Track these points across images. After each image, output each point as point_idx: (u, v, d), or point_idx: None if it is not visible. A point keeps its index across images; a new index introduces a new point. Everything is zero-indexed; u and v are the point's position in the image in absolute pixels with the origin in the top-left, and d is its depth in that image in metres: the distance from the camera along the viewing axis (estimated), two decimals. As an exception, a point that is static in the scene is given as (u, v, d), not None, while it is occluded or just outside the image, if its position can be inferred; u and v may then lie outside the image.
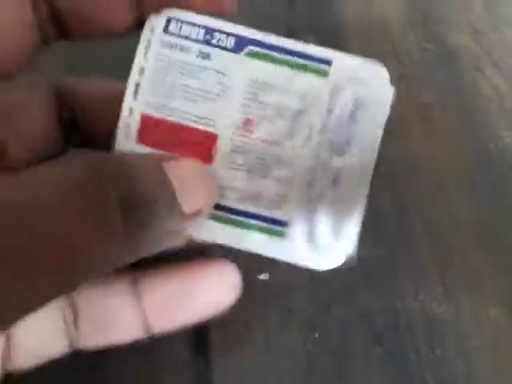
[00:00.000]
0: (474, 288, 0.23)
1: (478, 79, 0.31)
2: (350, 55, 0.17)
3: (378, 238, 0.23)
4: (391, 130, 0.28)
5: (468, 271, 0.23)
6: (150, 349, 0.20)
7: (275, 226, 0.17)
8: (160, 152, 0.16)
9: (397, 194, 0.25)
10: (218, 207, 0.17)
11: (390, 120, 0.28)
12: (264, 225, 0.17)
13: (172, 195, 0.14)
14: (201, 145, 0.17)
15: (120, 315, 0.18)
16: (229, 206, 0.17)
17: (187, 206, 0.14)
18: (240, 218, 0.17)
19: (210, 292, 0.18)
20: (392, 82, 0.30)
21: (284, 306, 0.22)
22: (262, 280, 0.22)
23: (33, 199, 0.11)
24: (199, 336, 0.21)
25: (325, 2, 0.34)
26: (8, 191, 0.11)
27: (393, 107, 0.29)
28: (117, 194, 0.12)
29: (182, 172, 0.15)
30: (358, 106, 0.17)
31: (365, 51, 0.31)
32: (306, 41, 0.31)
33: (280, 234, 0.17)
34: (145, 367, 0.20)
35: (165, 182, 0.14)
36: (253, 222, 0.17)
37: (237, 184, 0.17)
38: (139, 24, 0.17)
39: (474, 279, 0.23)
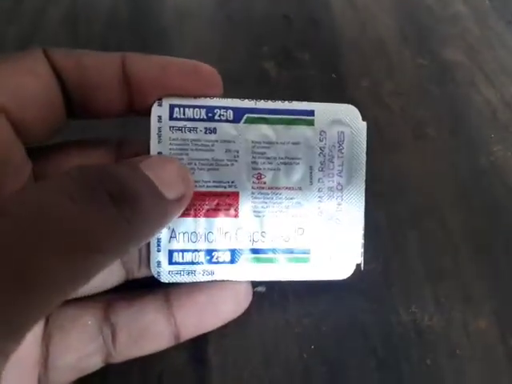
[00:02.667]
0: (465, 301, 0.23)
1: (472, 94, 0.32)
2: (327, 104, 0.21)
3: (373, 253, 0.24)
4: (386, 147, 0.29)
5: (459, 285, 0.24)
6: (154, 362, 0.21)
7: (302, 255, 0.21)
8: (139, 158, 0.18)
9: (391, 210, 0.26)
10: (252, 251, 0.21)
11: (385, 138, 0.29)
12: (292, 256, 0.21)
13: (151, 185, 0.17)
14: (226, 203, 0.20)
15: (154, 328, 0.20)
16: (261, 248, 0.21)
17: (169, 193, 0.17)
18: (272, 255, 0.21)
19: (230, 302, 0.21)
20: (388, 99, 0.31)
21: (281, 318, 0.23)
22: (259, 292, 0.23)
23: (47, 198, 0.14)
24: (198, 348, 0.21)
25: (321, 21, 0.35)
26: (25, 195, 0.14)
27: (388, 126, 0.30)
28: (106, 192, 0.15)
29: (156, 167, 0.17)
30: (341, 142, 0.21)
31: (360, 69, 0.33)
32: (303, 59, 0.32)
33: (306, 261, 0.21)
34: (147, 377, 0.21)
35: (142, 176, 0.16)
36: (283, 255, 0.21)
37: (263, 228, 0.21)
38: (130, 107, 0.19)
39: (465, 292, 0.24)
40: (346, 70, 0.32)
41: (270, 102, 0.20)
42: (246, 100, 0.20)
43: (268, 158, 0.20)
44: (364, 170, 0.21)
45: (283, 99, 0.30)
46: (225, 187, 0.20)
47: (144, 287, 0.21)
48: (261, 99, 0.20)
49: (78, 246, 0.13)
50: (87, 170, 0.15)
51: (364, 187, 0.21)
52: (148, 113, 0.20)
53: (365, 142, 0.21)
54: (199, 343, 0.21)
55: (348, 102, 0.30)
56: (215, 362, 0.21)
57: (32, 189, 0.15)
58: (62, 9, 0.34)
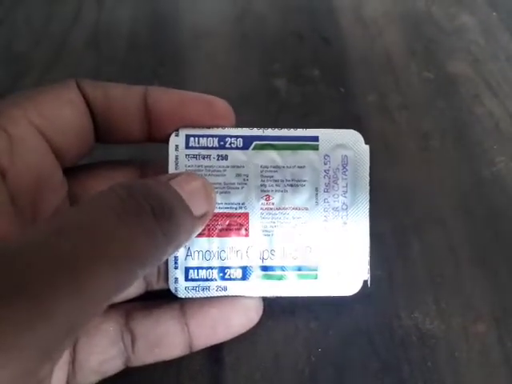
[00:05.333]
0: (465, 306, 0.25)
1: (476, 106, 0.33)
2: (330, 130, 0.22)
3: (377, 260, 0.25)
4: (391, 158, 0.30)
5: (459, 290, 0.25)
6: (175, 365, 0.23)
7: (310, 272, 0.22)
8: (168, 175, 0.20)
9: (396, 219, 0.28)
10: (262, 268, 0.22)
11: (391, 150, 0.31)
12: (301, 273, 0.22)
13: (182, 201, 0.18)
14: (237, 223, 0.22)
15: (170, 337, 0.22)
16: (271, 265, 0.22)
17: (195, 210, 0.19)
18: (281, 272, 0.22)
19: (241, 316, 0.22)
20: (394, 113, 0.32)
21: (290, 322, 0.24)
22: (270, 298, 0.24)
23: (96, 215, 0.15)
24: (213, 349, 0.23)
25: (331, 38, 0.36)
26: (77, 213, 0.16)
27: (393, 138, 0.31)
28: (149, 206, 0.16)
29: (185, 185, 0.19)
30: (345, 165, 0.22)
31: (368, 83, 0.34)
32: (313, 75, 0.34)
33: (314, 277, 0.22)
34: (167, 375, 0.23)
35: (175, 193, 0.18)
36: (292, 272, 0.22)
37: (273, 246, 0.22)
38: (150, 135, 0.21)
39: (465, 297, 0.25)
40: (354, 85, 0.34)
41: (276, 129, 0.22)
42: (255, 129, 0.22)
43: (276, 181, 0.22)
44: (368, 191, 0.22)
45: (293, 114, 0.32)
46: (236, 208, 0.22)
47: (161, 298, 0.23)
48: (268, 127, 0.22)
49: (121, 256, 0.15)
50: (131, 186, 0.17)
51: (368, 207, 0.22)
52: (165, 141, 0.22)
53: (368, 164, 0.22)
54: (214, 345, 0.23)
55: (355, 116, 0.32)
56: (229, 363, 0.23)
57: (83, 205, 0.16)
58: (86, 32, 0.37)
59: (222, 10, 0.39)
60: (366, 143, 0.23)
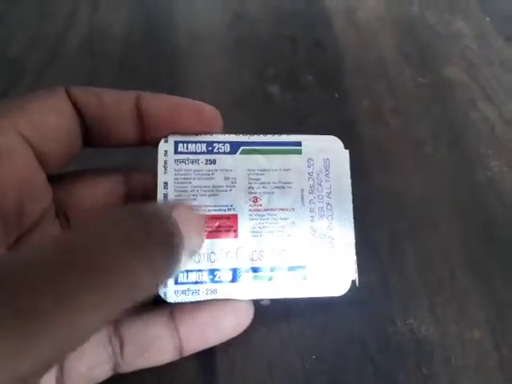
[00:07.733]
0: (460, 312, 0.24)
1: (471, 111, 0.33)
2: (313, 135, 0.23)
3: (371, 267, 0.25)
4: (386, 164, 0.30)
5: (455, 296, 0.25)
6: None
7: (298, 272, 0.22)
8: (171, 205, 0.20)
9: (390, 225, 0.27)
10: (252, 269, 0.22)
11: (385, 155, 0.31)
12: (290, 273, 0.22)
13: (182, 237, 0.18)
14: (226, 225, 0.22)
15: (159, 342, 0.21)
16: (260, 266, 0.22)
17: (188, 245, 0.18)
18: (270, 273, 0.22)
19: (231, 320, 0.22)
20: (388, 118, 0.32)
21: (284, 329, 0.24)
22: (264, 305, 0.24)
23: (102, 240, 0.15)
24: (206, 357, 0.23)
25: (324, 43, 0.36)
26: (82, 234, 0.15)
27: (388, 144, 0.31)
28: (158, 238, 0.16)
29: (184, 218, 0.18)
30: (327, 168, 0.23)
31: (362, 88, 0.34)
32: (306, 80, 0.34)
33: (303, 278, 0.22)
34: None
35: (177, 228, 0.18)
36: (281, 273, 0.22)
37: (261, 247, 0.22)
38: (142, 139, 0.21)
39: (460, 304, 0.25)
40: (348, 90, 0.34)
41: (261, 135, 0.23)
42: (241, 135, 0.23)
43: (263, 183, 0.22)
44: (350, 192, 0.23)
45: (287, 119, 0.32)
46: (225, 210, 0.22)
47: (149, 303, 0.22)
48: (254, 134, 0.23)
49: (116, 287, 0.14)
50: (143, 213, 0.17)
51: (352, 207, 0.23)
52: (158, 145, 0.22)
53: (348, 168, 0.23)
54: (207, 352, 0.22)
55: (349, 121, 0.32)
56: (222, 371, 0.23)
57: (85, 227, 0.16)
58: (80, 35, 0.36)
59: (216, 14, 0.39)
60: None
